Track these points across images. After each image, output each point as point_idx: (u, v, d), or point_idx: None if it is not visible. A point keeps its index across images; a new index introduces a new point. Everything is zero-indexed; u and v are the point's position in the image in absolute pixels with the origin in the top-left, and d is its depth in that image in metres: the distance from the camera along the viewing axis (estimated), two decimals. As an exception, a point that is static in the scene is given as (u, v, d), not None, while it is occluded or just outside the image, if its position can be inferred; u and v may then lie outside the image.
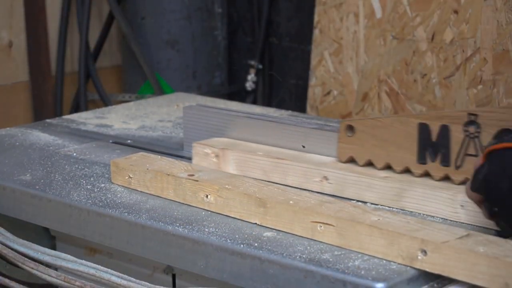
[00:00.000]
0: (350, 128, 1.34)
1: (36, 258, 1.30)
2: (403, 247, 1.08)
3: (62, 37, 2.70)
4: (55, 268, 1.29)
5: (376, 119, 1.33)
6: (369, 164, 1.32)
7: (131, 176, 1.36)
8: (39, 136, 1.67)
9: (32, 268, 1.30)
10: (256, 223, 1.22)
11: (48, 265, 1.29)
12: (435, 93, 1.96)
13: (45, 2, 2.66)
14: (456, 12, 1.92)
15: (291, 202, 1.20)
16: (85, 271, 1.23)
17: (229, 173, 1.35)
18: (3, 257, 1.35)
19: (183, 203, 1.30)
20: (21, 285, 1.37)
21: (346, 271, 1.06)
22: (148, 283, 1.18)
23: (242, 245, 1.14)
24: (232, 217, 1.24)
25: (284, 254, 1.11)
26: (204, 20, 2.69)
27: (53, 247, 1.43)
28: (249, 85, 2.73)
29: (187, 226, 1.21)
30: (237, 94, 2.76)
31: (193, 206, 1.29)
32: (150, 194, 1.34)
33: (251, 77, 2.72)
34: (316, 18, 2.15)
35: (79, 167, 1.47)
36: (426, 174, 1.27)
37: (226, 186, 1.26)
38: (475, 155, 1.20)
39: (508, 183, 0.98)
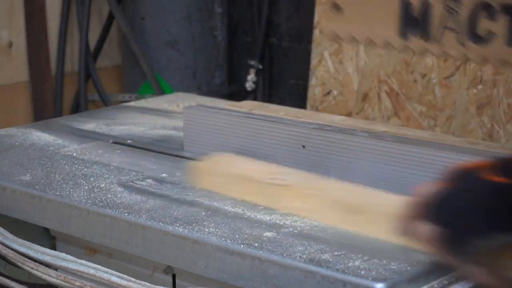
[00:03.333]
0: (336, 6, 1.35)
1: (36, 258, 1.30)
2: None
3: (62, 37, 2.70)
4: (55, 268, 1.29)
5: None
6: (353, 39, 1.32)
7: (213, 179, 1.35)
8: (39, 136, 1.67)
9: (32, 268, 1.30)
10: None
11: (48, 265, 1.29)
12: (435, 93, 1.96)
13: (45, 2, 2.66)
14: (456, 12, 1.92)
15: (384, 207, 1.15)
16: (85, 271, 1.23)
17: (316, 177, 1.31)
18: (3, 257, 1.35)
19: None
20: (21, 285, 1.37)
21: (346, 271, 1.06)
22: (148, 283, 1.18)
23: (242, 245, 1.14)
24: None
25: (284, 254, 1.11)
26: (204, 20, 2.69)
27: (53, 247, 1.43)
28: (249, 85, 2.73)
29: (187, 226, 1.21)
30: (237, 94, 2.76)
31: (273, 211, 1.26)
32: (232, 198, 1.31)
33: (251, 77, 2.72)
34: (316, 18, 2.15)
35: (79, 167, 1.47)
36: (406, 48, 1.27)
37: (315, 192, 1.23)
38: (454, 29, 1.22)
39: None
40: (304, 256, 1.10)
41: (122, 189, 1.37)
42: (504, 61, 1.17)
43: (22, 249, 1.32)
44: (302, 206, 1.22)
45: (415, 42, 1.24)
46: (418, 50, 1.22)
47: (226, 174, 1.33)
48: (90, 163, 1.50)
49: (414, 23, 1.24)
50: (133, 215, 1.26)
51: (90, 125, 1.76)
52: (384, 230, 1.10)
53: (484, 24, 1.20)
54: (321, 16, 1.23)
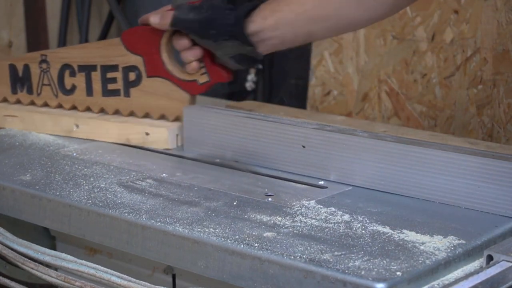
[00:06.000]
0: None
1: (36, 258, 1.29)
2: (64, 124, 1.65)
3: (62, 37, 2.70)
4: (55, 268, 1.29)
5: None
6: None
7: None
8: (39, 136, 1.67)
9: (32, 268, 1.29)
10: None
11: (48, 265, 1.29)
12: (435, 93, 1.97)
13: (45, 2, 2.66)
14: (456, 12, 1.92)
15: None
16: (85, 271, 1.23)
17: None
18: (3, 257, 1.35)
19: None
20: (21, 285, 1.36)
21: (346, 271, 1.06)
22: (148, 283, 1.18)
23: (242, 245, 1.14)
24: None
25: (284, 254, 1.11)
26: (204, 20, 2.69)
27: (53, 247, 1.43)
28: (249, 85, 2.73)
29: (187, 226, 1.21)
30: (237, 94, 2.76)
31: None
32: None
33: (251, 77, 2.72)
34: (316, 18, 2.15)
35: (79, 167, 1.47)
36: (18, 101, 1.75)
37: None
38: (49, 85, 1.71)
39: (192, 15, 1.55)
40: (304, 256, 1.10)
41: (122, 189, 1.37)
42: (87, 107, 1.70)
43: (22, 249, 1.31)
44: None
45: (24, 96, 1.74)
46: (25, 102, 1.74)
47: None
48: (90, 163, 1.50)
49: (20, 81, 1.73)
50: (133, 215, 1.26)
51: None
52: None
53: (68, 80, 1.70)
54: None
